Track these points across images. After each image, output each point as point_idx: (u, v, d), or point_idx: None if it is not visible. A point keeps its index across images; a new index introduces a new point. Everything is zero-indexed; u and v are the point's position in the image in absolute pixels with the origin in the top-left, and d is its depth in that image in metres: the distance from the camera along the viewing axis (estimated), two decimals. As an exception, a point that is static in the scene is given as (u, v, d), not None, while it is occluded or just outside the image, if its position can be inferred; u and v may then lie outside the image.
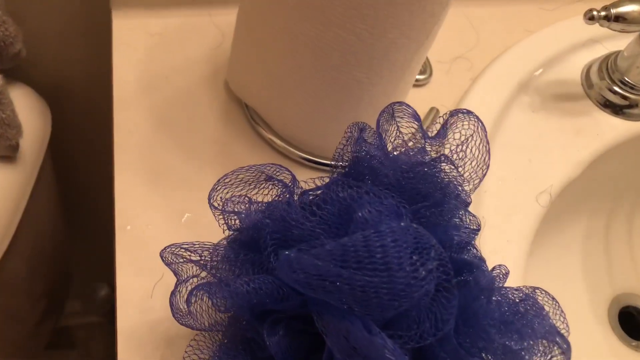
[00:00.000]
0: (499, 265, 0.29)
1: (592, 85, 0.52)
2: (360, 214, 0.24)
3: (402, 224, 0.24)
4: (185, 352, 0.30)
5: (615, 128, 0.51)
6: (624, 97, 0.51)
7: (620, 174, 0.57)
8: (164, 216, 0.40)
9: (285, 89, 0.38)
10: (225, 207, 0.28)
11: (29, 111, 0.53)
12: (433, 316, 0.26)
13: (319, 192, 0.30)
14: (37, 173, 0.54)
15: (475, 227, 0.28)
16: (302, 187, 0.30)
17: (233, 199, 0.28)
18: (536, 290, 0.29)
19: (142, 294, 0.37)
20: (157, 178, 0.41)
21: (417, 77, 0.49)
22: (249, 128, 0.44)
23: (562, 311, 0.30)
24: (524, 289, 0.29)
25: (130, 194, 0.40)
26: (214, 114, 0.44)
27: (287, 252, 0.24)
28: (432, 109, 0.48)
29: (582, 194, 0.54)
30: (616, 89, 0.51)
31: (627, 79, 0.50)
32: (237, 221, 0.28)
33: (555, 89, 0.52)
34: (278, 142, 0.43)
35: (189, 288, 0.28)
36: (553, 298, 0.30)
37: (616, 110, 0.51)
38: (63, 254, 0.72)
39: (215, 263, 0.28)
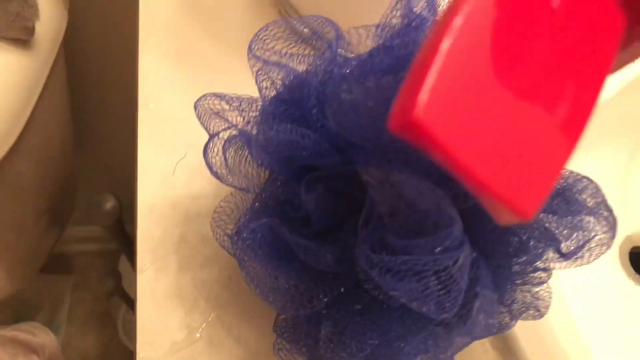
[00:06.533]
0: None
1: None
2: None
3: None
4: (215, 212, 0.29)
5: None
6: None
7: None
8: (189, 97, 0.38)
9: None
10: (267, 59, 0.27)
11: (45, 1, 0.51)
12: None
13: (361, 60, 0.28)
14: (51, 65, 0.52)
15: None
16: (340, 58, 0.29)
17: (274, 51, 0.27)
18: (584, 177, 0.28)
19: (164, 171, 0.36)
20: (183, 59, 0.40)
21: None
22: (279, 17, 0.42)
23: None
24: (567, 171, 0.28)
25: (154, 72, 0.39)
26: (243, 0, 0.42)
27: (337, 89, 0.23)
28: None
29: (606, 126, 0.53)
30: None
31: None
32: (279, 76, 0.27)
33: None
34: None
35: (224, 141, 0.27)
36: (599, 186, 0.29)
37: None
38: (69, 163, 0.70)
39: (253, 114, 0.27)
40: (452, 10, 0.15)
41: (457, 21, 0.15)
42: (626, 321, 0.51)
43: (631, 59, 0.20)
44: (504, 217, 0.16)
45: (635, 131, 0.59)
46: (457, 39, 0.15)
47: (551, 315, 0.36)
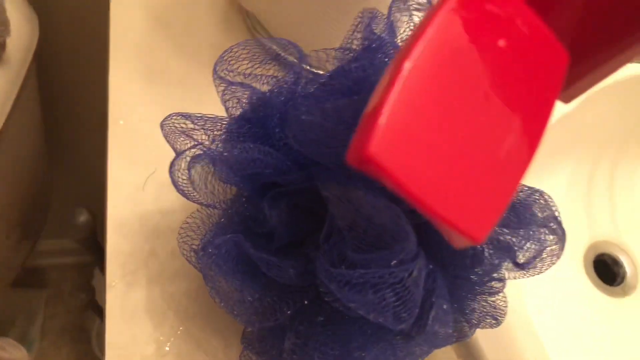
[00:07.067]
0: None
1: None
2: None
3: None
4: (181, 227, 0.29)
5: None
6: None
7: (607, 120, 0.58)
8: (158, 113, 0.39)
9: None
10: (232, 79, 0.28)
11: (16, 17, 0.51)
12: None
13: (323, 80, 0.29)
14: (22, 81, 0.52)
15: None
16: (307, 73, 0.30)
17: (239, 72, 0.28)
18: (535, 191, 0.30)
19: (134, 186, 0.36)
20: (153, 76, 0.40)
21: None
22: (248, 35, 0.43)
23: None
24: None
25: (124, 89, 0.39)
26: (213, 19, 0.43)
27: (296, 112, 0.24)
28: None
29: (570, 137, 0.55)
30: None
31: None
32: (244, 95, 0.28)
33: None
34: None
35: (189, 159, 0.28)
36: (550, 199, 0.30)
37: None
38: (42, 178, 0.70)
39: (218, 133, 0.27)
40: (403, 54, 0.16)
41: (408, 65, 0.16)
42: (590, 328, 0.53)
43: (581, 92, 0.21)
44: (457, 241, 0.18)
45: (597, 142, 0.61)
46: (408, 80, 0.16)
47: (515, 324, 0.37)
